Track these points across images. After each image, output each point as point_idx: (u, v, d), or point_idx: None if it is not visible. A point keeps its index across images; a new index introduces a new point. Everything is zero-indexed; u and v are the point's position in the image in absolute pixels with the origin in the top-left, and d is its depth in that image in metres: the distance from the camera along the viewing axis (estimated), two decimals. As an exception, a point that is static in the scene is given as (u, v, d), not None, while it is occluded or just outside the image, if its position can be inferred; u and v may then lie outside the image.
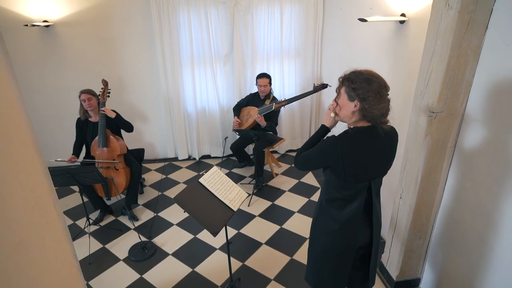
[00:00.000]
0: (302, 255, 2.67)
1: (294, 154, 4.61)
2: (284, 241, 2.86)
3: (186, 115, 4.26)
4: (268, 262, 2.61)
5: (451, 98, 1.74)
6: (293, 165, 4.29)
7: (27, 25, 3.37)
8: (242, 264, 2.60)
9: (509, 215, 1.55)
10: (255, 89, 3.98)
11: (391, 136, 1.42)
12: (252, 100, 3.88)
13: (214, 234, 1.66)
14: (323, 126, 1.55)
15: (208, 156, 4.54)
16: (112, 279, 2.48)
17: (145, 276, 2.49)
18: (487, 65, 1.63)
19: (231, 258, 2.63)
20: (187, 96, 4.17)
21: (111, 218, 3.23)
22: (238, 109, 3.95)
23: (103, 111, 3.04)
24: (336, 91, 1.40)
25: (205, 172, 1.94)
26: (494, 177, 1.62)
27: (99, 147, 3.06)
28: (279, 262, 2.61)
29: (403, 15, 2.31)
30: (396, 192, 2.21)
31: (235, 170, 4.17)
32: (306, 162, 1.49)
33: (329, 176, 1.43)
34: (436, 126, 1.81)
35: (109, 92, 3.16)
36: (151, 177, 4.04)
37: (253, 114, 3.72)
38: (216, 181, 1.92)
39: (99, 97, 3.12)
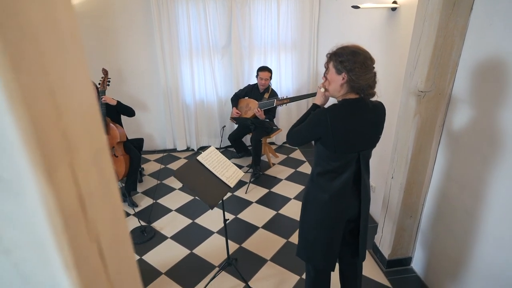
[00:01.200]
0: (297, 237, 2.73)
1: (292, 146, 4.70)
2: (280, 225, 2.93)
3: (185, 107, 4.32)
4: (264, 244, 2.68)
5: (439, 78, 1.82)
6: (290, 156, 4.37)
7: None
8: (239, 246, 2.66)
9: (494, 187, 1.62)
10: (253, 81, 4.05)
11: (379, 109, 1.49)
12: (251, 91, 3.95)
13: (211, 207, 1.73)
14: (314, 104, 1.62)
15: (207, 147, 4.59)
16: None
17: (144, 257, 2.56)
18: (472, 45, 1.71)
19: (228, 241, 2.70)
20: (185, 87, 4.24)
21: (111, 205, 3.29)
22: (236, 99, 4.02)
23: (104, 100, 3.10)
24: (325, 66, 1.48)
25: (203, 151, 2.01)
26: (480, 154, 1.69)
27: (99, 134, 3.11)
28: (275, 244, 2.68)
29: (394, 2, 2.38)
30: (388, 172, 2.28)
31: (233, 161, 4.22)
32: (298, 136, 1.56)
33: (320, 148, 1.50)
34: (425, 106, 1.89)
35: (109, 81, 3.23)
36: (150, 167, 4.11)
37: (252, 107, 3.79)
38: (213, 159, 1.99)
39: (99, 86, 3.18)
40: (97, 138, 0.28)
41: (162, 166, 4.11)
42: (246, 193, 3.47)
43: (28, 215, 0.20)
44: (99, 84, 3.19)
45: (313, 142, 1.56)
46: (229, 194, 3.44)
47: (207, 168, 1.91)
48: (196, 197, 3.38)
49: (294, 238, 2.73)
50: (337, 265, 1.88)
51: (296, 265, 2.42)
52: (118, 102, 3.22)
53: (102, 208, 0.27)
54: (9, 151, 0.19)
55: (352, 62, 1.34)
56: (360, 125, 1.44)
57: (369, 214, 1.72)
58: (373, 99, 1.49)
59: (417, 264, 2.35)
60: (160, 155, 4.43)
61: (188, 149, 4.58)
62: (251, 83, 4.06)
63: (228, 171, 1.99)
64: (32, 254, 0.21)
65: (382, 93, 2.54)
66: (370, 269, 2.39)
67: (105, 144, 0.29)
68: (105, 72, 3.24)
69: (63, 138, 0.22)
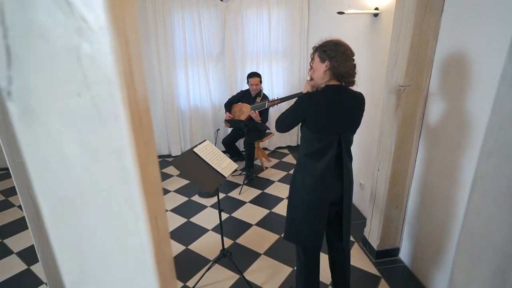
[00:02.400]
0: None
1: (283, 151, 4.83)
2: (273, 223, 3.01)
3: (180, 112, 4.44)
4: (258, 239, 2.76)
5: (417, 74, 1.98)
6: (282, 160, 4.48)
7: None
8: (233, 242, 2.73)
9: (467, 169, 1.76)
10: (245, 87, 4.20)
11: (358, 98, 1.64)
12: (243, 97, 4.09)
13: (207, 194, 1.82)
14: (301, 93, 1.76)
15: (201, 153, 4.69)
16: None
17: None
18: (444, 43, 1.88)
19: (223, 237, 2.77)
20: (180, 94, 4.36)
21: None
22: (229, 105, 4.15)
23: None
24: (311, 57, 1.63)
25: (198, 145, 2.12)
26: (455, 141, 1.84)
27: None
28: (268, 239, 2.76)
29: (376, 8, 2.57)
30: (374, 165, 2.41)
31: (226, 165, 4.33)
32: (286, 120, 1.69)
33: (305, 132, 1.64)
34: (405, 100, 2.04)
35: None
36: (145, 171, 4.17)
37: (245, 111, 3.92)
38: (209, 152, 2.09)
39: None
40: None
41: (157, 170, 4.17)
42: (240, 194, 3.55)
43: (101, 58, 0.31)
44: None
45: (299, 127, 1.69)
46: (223, 195, 3.52)
47: (203, 159, 2.01)
48: (192, 198, 3.45)
49: (287, 234, 2.81)
50: (326, 258, 1.98)
51: (288, 257, 2.50)
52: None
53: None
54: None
55: (334, 51, 1.50)
56: (340, 109, 1.57)
57: (352, 197, 1.82)
58: (354, 88, 1.63)
59: (404, 254, 2.45)
60: (155, 160, 4.50)
61: (182, 155, 4.66)
62: (243, 89, 4.20)
63: (223, 162, 2.09)
64: (104, 91, 0.32)
65: (369, 91, 2.71)
66: (360, 260, 2.48)
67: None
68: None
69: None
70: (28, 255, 2.65)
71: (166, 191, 3.63)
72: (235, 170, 2.26)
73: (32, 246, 2.70)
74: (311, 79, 1.66)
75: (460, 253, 0.67)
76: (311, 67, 1.63)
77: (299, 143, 4.64)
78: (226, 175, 2.02)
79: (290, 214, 1.82)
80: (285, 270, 2.40)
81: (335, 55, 1.51)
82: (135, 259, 0.40)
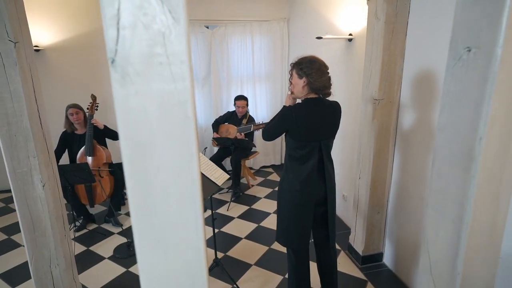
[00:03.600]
0: (278, 245, 2.90)
1: (268, 169, 4.97)
2: (262, 235, 3.09)
3: (167, 133, 4.53)
4: (248, 252, 2.82)
5: (388, 88, 2.23)
6: (267, 178, 4.62)
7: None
8: (224, 255, 2.78)
9: (438, 171, 1.97)
10: (231, 108, 4.39)
11: (334, 106, 1.84)
12: (230, 118, 4.27)
13: (205, 199, 1.92)
14: (284, 106, 1.94)
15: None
16: (98, 273, 2.56)
17: (130, 269, 2.60)
18: (410, 62, 2.15)
19: (211, 250, 2.82)
20: (167, 115, 4.48)
21: (93, 226, 3.31)
22: (216, 125, 4.30)
23: (93, 122, 3.27)
24: (289, 73, 1.83)
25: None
26: (425, 147, 2.06)
27: (86, 155, 3.23)
28: (258, 251, 2.83)
29: (350, 34, 2.88)
30: (355, 174, 2.60)
31: (213, 184, 4.40)
32: (271, 131, 1.84)
33: (289, 140, 1.81)
34: (380, 111, 2.28)
35: (97, 106, 3.42)
36: (132, 191, 4.17)
37: (232, 132, 4.09)
38: (201, 162, 2.21)
39: (88, 110, 3.36)
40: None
41: (144, 191, 4.19)
42: (228, 210, 3.63)
43: (177, 40, 0.46)
44: (87, 108, 3.37)
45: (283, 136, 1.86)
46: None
47: (197, 170, 2.12)
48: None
49: (276, 246, 2.90)
50: (315, 266, 2.09)
51: (279, 267, 2.58)
52: (105, 126, 3.40)
53: None
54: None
55: (310, 68, 1.70)
56: (319, 118, 1.76)
57: (335, 199, 1.96)
58: (330, 99, 1.83)
59: (387, 258, 2.59)
60: (141, 181, 4.51)
61: (169, 175, 4.70)
62: (230, 110, 4.39)
63: (215, 173, 2.21)
64: (177, 60, 0.46)
65: (346, 108, 2.95)
66: (347, 266, 2.60)
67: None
68: (93, 97, 3.44)
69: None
70: (13, 276, 2.58)
71: (154, 210, 3.64)
72: (229, 179, 2.38)
73: (15, 268, 2.64)
74: (292, 93, 1.85)
75: (429, 212, 0.84)
76: (291, 82, 1.83)
77: (283, 161, 4.83)
78: (219, 184, 2.13)
79: (279, 217, 1.94)
80: (276, 279, 2.47)
81: (311, 72, 1.71)
82: (187, 193, 0.53)
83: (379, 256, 2.63)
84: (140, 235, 0.55)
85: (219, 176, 2.20)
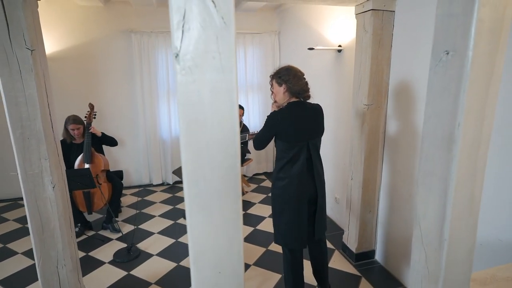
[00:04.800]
0: (275, 246, 3.01)
1: (260, 177, 5.09)
2: (258, 238, 3.19)
3: (161, 142, 4.62)
4: (246, 253, 2.91)
5: (377, 95, 2.42)
6: (261, 185, 4.73)
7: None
8: (223, 257, 2.86)
9: (424, 169, 2.14)
10: (225, 116, 4.53)
11: (317, 109, 2.00)
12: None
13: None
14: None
15: (181, 181, 4.83)
16: (100, 277, 2.59)
17: (132, 272, 2.64)
18: (396, 71, 2.35)
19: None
20: (163, 124, 4.58)
21: (91, 233, 3.33)
22: (210, 133, 4.41)
23: (91, 129, 3.33)
24: (270, 83, 2.00)
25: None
26: (411, 147, 2.24)
27: (84, 162, 3.28)
28: (256, 253, 2.92)
29: (340, 46, 3.09)
30: (348, 175, 2.75)
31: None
32: (261, 138, 1.97)
33: (279, 143, 1.94)
34: (370, 116, 2.45)
35: (95, 114, 3.49)
36: (127, 200, 4.20)
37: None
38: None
39: (86, 118, 3.42)
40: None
41: (140, 199, 4.23)
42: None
43: (227, 39, 0.59)
44: (85, 117, 3.43)
45: (273, 141, 2.00)
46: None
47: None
48: (177, 221, 3.55)
49: (273, 247, 3.00)
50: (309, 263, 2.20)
51: (276, 266, 2.68)
52: (103, 134, 3.46)
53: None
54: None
55: (287, 75, 1.88)
56: (303, 119, 1.91)
57: (325, 195, 2.08)
58: (311, 101, 2.00)
59: (379, 255, 2.73)
60: (136, 189, 4.55)
61: (163, 184, 4.76)
62: (223, 119, 4.51)
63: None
64: (226, 55, 0.59)
65: (336, 114, 3.13)
66: (341, 264, 2.72)
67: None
68: (91, 106, 3.52)
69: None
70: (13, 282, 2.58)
71: (151, 216, 3.70)
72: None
73: (14, 274, 2.64)
74: (275, 101, 2.01)
75: (419, 191, 0.98)
76: (272, 92, 1.99)
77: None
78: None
79: (275, 218, 2.05)
80: (275, 277, 2.56)
81: (289, 78, 1.88)
82: (230, 164, 0.66)
83: (371, 253, 2.76)
84: (191, 199, 0.67)
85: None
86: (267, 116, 1.96)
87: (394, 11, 2.31)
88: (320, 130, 2.02)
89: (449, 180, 0.87)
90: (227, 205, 0.68)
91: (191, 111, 0.62)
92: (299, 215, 1.96)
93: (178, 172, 2.13)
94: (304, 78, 1.95)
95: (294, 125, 1.89)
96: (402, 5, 2.25)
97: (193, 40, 0.59)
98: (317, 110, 2.00)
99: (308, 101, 1.99)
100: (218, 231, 0.69)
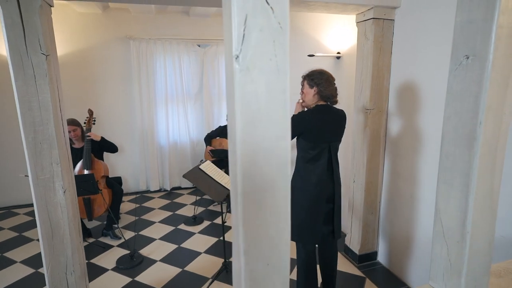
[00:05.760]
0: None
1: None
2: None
3: (159, 148, 4.60)
4: (250, 257, 2.92)
5: (378, 99, 2.51)
6: (259, 189, 4.75)
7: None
8: (224, 260, 2.86)
9: (423, 169, 2.23)
10: (223, 122, 4.56)
11: (341, 114, 2.07)
12: (222, 132, 4.42)
13: (219, 201, 2.05)
14: (294, 115, 2.14)
15: (179, 188, 4.82)
16: (105, 284, 2.56)
17: (136, 278, 2.62)
18: (396, 76, 2.45)
19: (217, 258, 2.91)
20: (160, 130, 4.57)
21: (91, 240, 3.28)
22: (209, 139, 4.43)
23: (89, 136, 3.31)
24: (301, 84, 2.06)
25: (202, 162, 2.37)
26: (412, 149, 2.33)
27: (84, 169, 3.25)
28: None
29: (338, 53, 3.19)
30: (350, 178, 2.82)
31: (206, 197, 4.48)
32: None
33: (301, 143, 2.00)
34: (371, 120, 2.54)
35: (94, 120, 3.47)
36: (125, 206, 4.16)
37: (225, 145, 4.24)
38: (211, 169, 2.34)
39: (85, 125, 3.40)
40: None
41: (138, 205, 4.19)
42: (224, 221, 3.71)
43: (283, 43, 0.64)
44: (84, 123, 3.41)
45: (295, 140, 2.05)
46: (208, 222, 3.66)
47: (208, 175, 2.25)
48: (178, 227, 3.54)
49: (276, 250, 3.02)
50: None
51: (282, 269, 2.70)
52: (102, 138, 3.44)
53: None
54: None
55: (319, 78, 1.94)
56: (328, 122, 1.98)
57: (341, 196, 2.15)
58: (337, 107, 2.07)
59: (381, 256, 2.79)
60: (133, 196, 4.51)
61: (160, 190, 4.73)
62: (221, 125, 4.55)
63: (224, 178, 2.35)
64: (283, 58, 0.64)
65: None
66: (345, 265, 2.76)
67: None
68: (90, 112, 3.49)
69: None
70: (14, 291, 2.52)
71: (151, 223, 3.67)
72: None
73: (16, 283, 2.58)
74: (303, 101, 2.07)
75: (440, 186, 1.04)
76: (302, 92, 2.05)
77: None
78: (230, 188, 2.26)
79: (292, 215, 2.09)
80: (281, 280, 2.58)
81: (321, 82, 1.95)
82: (281, 159, 0.70)
83: (374, 254, 2.82)
84: (246, 194, 0.70)
85: (228, 182, 2.34)
86: (294, 115, 2.01)
87: (393, 19, 2.41)
88: (342, 134, 2.09)
89: (471, 175, 0.93)
90: (278, 198, 0.72)
91: (248, 109, 0.66)
92: (317, 213, 2.01)
93: (190, 175, 2.14)
94: (335, 84, 2.03)
95: (320, 126, 1.95)
96: (401, 14, 2.36)
97: (253, 42, 0.63)
98: (342, 116, 2.07)
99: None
100: (269, 223, 0.73)
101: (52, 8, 1.89)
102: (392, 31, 2.43)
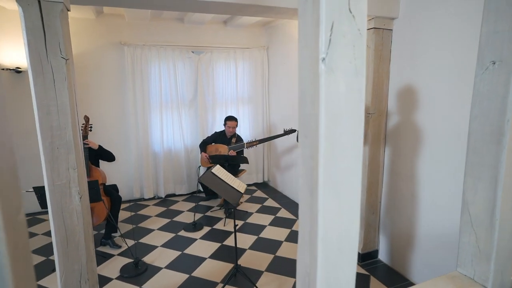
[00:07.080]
0: (282, 252, 3.09)
1: (251, 187, 5.16)
2: (264, 245, 3.24)
3: (153, 155, 4.55)
4: (256, 260, 2.95)
5: (378, 104, 2.65)
6: (253, 195, 4.80)
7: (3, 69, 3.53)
8: (233, 265, 2.87)
9: (423, 169, 2.37)
10: (218, 128, 4.58)
11: None
12: (218, 138, 4.43)
13: (236, 205, 2.08)
14: None
15: (173, 195, 4.76)
16: (110, 294, 2.50)
17: (144, 286, 2.58)
18: (394, 81, 2.60)
19: (222, 262, 2.91)
20: (155, 137, 4.53)
21: (89, 250, 3.19)
22: (204, 146, 4.43)
23: (87, 143, 3.24)
24: None
25: (213, 167, 2.39)
26: (411, 148, 2.47)
27: (82, 176, 3.17)
28: (265, 259, 2.97)
29: (335, 60, 3.33)
30: (351, 180, 2.93)
31: (202, 203, 4.47)
32: None
33: None
34: (372, 124, 2.67)
35: (91, 127, 3.40)
36: (120, 215, 4.03)
37: (222, 151, 4.26)
38: (222, 173, 2.37)
39: (81, 132, 3.33)
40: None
41: (133, 213, 4.11)
42: (224, 225, 3.72)
43: (360, 48, 0.71)
44: (81, 130, 3.33)
45: None
46: (208, 228, 3.65)
47: (220, 179, 2.28)
48: (178, 233, 3.50)
49: (281, 253, 3.07)
50: None
51: (289, 271, 2.75)
52: (100, 146, 3.38)
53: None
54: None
55: None
56: None
57: None
58: None
59: (382, 254, 2.91)
60: (127, 204, 4.41)
61: (155, 197, 4.66)
62: (217, 131, 4.57)
63: (235, 182, 2.38)
64: (362, 60, 0.71)
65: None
66: (349, 264, 2.85)
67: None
68: (86, 119, 3.42)
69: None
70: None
71: (150, 230, 3.61)
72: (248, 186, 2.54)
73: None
74: None
75: (467, 179, 1.14)
76: None
77: (265, 180, 5.13)
78: (242, 191, 2.30)
79: None
80: (290, 281, 2.63)
81: None
82: (356, 152, 0.76)
83: (375, 253, 2.93)
84: (326, 185, 0.76)
85: (239, 184, 2.38)
86: None
87: (392, 29, 2.57)
88: None
89: (499, 168, 1.04)
90: (352, 188, 0.78)
91: (331, 105, 0.72)
92: None
93: (207, 179, 2.16)
94: None
95: None
96: (399, 24, 2.53)
97: (337, 47, 0.70)
98: None
99: None
100: (343, 212, 0.79)
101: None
102: (390, 40, 2.59)
